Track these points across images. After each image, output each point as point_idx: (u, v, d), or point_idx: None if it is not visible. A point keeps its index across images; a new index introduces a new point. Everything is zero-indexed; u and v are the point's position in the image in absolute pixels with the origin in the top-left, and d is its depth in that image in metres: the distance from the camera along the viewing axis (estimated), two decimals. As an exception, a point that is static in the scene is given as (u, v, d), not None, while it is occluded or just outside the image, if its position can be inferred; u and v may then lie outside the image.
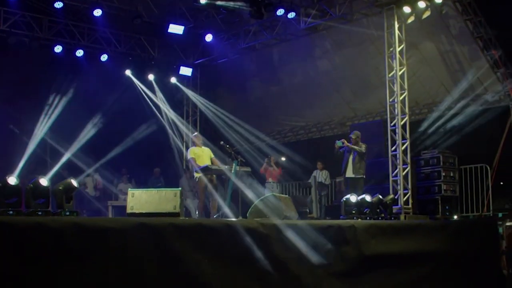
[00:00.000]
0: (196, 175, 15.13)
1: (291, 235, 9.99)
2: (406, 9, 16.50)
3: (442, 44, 18.59)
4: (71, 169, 18.51)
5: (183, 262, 8.49)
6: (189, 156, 15.45)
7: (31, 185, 9.11)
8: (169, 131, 21.81)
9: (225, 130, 21.23)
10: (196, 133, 16.24)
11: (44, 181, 9.23)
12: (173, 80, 22.57)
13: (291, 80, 22.23)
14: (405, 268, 11.84)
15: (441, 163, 17.07)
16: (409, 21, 16.80)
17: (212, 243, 8.94)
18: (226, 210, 13.69)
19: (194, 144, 15.61)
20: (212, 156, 15.33)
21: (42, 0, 17.91)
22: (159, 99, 21.82)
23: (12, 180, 8.84)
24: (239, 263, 9.20)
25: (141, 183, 20.15)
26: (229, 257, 9.10)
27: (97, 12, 18.05)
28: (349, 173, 16.02)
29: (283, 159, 20.22)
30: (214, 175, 14.85)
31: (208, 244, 8.87)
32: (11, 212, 8.55)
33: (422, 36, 18.41)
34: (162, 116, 21.74)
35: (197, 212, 16.84)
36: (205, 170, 14.61)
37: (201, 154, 15.21)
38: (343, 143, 16.00)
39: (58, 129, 19.30)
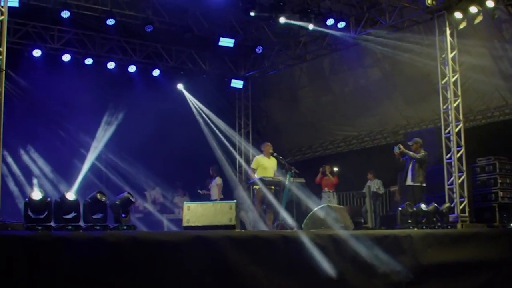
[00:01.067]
0: (255, 186, 15.17)
1: (347, 245, 9.95)
2: (458, 15, 16.31)
3: (495, 49, 18.33)
4: (128, 183, 18.77)
5: (239, 274, 8.51)
6: (252, 165, 15.50)
7: (89, 200, 9.25)
8: (222, 143, 21.91)
9: (277, 141, 21.26)
10: (266, 142, 16.16)
11: (101, 196, 9.36)
12: (225, 92, 22.70)
13: (342, 89, 22.19)
14: (462, 277, 11.68)
15: (497, 170, 16.78)
16: (461, 26, 16.61)
17: (268, 255, 8.94)
18: (288, 220, 13.64)
19: (263, 152, 15.59)
20: (275, 167, 15.29)
21: (95, 17, 18.19)
22: (211, 112, 21.95)
23: (70, 195, 8.98)
24: (295, 274, 9.19)
25: (196, 196, 20.28)
26: (284, 268, 9.09)
27: (149, 28, 18.25)
28: (408, 181, 15.77)
29: (336, 169, 20.13)
30: (273, 187, 14.84)
31: (264, 256, 8.88)
32: (69, 227, 8.69)
33: (474, 41, 18.17)
34: (214, 129, 21.86)
35: (251, 224, 16.86)
36: (261, 181, 14.63)
37: (267, 165, 15.20)
38: (399, 148, 15.77)
39: (113, 144, 19.58)
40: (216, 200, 19.62)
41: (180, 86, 21.62)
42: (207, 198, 19.84)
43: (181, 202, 19.85)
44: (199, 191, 20.32)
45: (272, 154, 15.27)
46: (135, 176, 19.46)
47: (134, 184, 19.25)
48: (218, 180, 19.92)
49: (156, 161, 19.83)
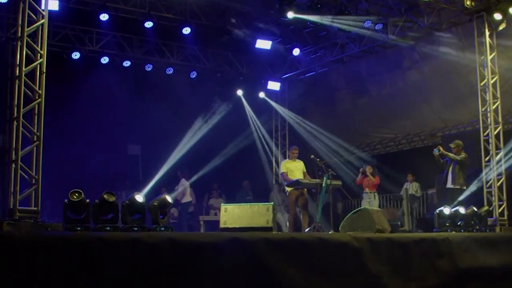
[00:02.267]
0: (287, 189, 15.23)
1: (384, 248, 9.90)
2: (497, 16, 16.10)
3: (535, 50, 18.11)
4: (166, 185, 18.92)
5: (276, 276, 8.50)
6: (281, 170, 15.59)
7: (127, 201, 9.35)
8: (259, 145, 21.97)
9: (314, 143, 21.26)
10: (293, 146, 16.27)
11: (139, 197, 9.45)
12: (262, 95, 22.80)
13: (379, 91, 22.08)
14: (501, 281, 11.51)
15: (537, 173, 16.59)
16: (501, 28, 16.42)
17: (305, 257, 8.93)
18: (319, 224, 13.67)
19: (289, 157, 15.69)
20: (304, 170, 15.38)
21: (132, 20, 18.35)
22: (248, 114, 22.01)
23: (109, 196, 9.09)
24: (332, 277, 9.16)
25: (231, 197, 20.36)
26: (322, 271, 9.07)
27: (186, 30, 18.34)
28: (449, 184, 15.62)
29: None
30: (305, 189, 14.87)
31: (301, 258, 8.86)
32: (108, 228, 8.80)
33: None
34: (251, 131, 21.91)
35: (287, 226, 16.89)
36: (296, 184, 14.66)
37: (293, 168, 15.28)
38: (439, 150, 15.63)
39: (150, 145, 19.76)
40: (190, 201, 19.71)
41: (239, 93, 21.94)
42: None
43: (216, 203, 19.96)
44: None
45: (310, 157, 15.37)
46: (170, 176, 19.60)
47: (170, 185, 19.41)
48: (183, 182, 19.79)
49: (193, 163, 19.93)
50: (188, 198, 19.93)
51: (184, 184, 19.72)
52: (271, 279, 8.45)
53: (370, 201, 17.37)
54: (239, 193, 20.81)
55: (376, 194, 17.74)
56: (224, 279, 8.10)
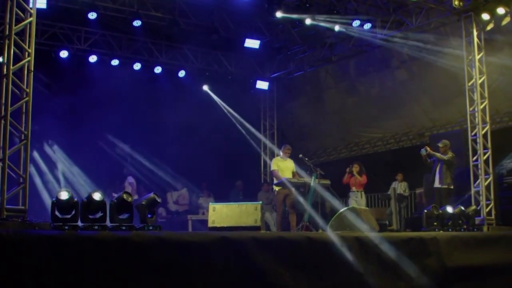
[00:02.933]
0: (275, 188, 15.21)
1: (372, 247, 9.93)
2: (485, 16, 16.18)
3: (523, 50, 18.19)
4: (155, 184, 18.90)
5: (265, 275, 8.53)
6: (272, 167, 15.57)
7: (115, 201, 9.33)
8: (247, 144, 21.94)
9: (302, 143, 21.26)
10: (286, 144, 16.25)
11: (127, 197, 9.43)
12: (250, 94, 22.72)
13: (368, 91, 22.13)
14: (488, 280, 11.58)
15: (525, 173, 16.69)
16: (488, 28, 16.49)
17: (293, 256, 8.96)
18: (308, 223, 13.66)
19: (282, 155, 15.66)
20: (294, 169, 15.36)
21: (121, 19, 18.30)
22: (236, 113, 21.98)
23: (97, 195, 9.07)
24: (320, 276, 9.19)
25: (222, 197, 20.33)
26: (310, 270, 9.10)
27: (174, 29, 18.31)
28: (436, 183, 15.69)
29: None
30: (293, 188, 14.86)
31: (289, 257, 8.90)
32: (96, 227, 8.78)
33: (501, 43, 18.04)
34: (239, 130, 21.89)
35: (275, 225, 16.89)
36: (283, 184, 14.65)
37: (283, 167, 15.27)
38: (426, 150, 15.70)
39: (139, 145, 19.73)
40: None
41: (205, 87, 21.71)
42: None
43: (205, 202, 19.91)
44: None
45: (298, 156, 15.33)
46: (161, 177, 19.56)
47: (159, 185, 19.37)
48: (129, 179, 19.61)
49: (181, 162, 19.91)
50: (134, 196, 19.71)
51: (130, 182, 19.54)
52: (260, 278, 8.47)
53: (357, 200, 17.32)
54: (232, 192, 20.76)
55: (363, 192, 17.70)
56: (213, 278, 8.11)
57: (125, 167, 19.93)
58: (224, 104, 21.90)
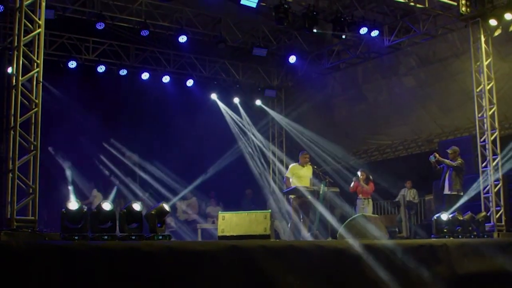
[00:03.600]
0: (291, 196, 15.16)
1: (381, 255, 9.90)
2: (493, 22, 16.14)
3: (531, 56, 18.16)
4: (160, 193, 18.87)
5: (275, 284, 8.50)
6: (286, 174, 15.51)
7: (125, 210, 9.33)
8: (256, 153, 21.95)
9: (311, 150, 21.21)
10: (304, 151, 16.15)
11: (137, 206, 9.44)
12: (258, 102, 22.75)
13: (376, 98, 22.13)
14: (498, 287, 11.55)
15: (534, 178, 16.62)
16: (496, 34, 16.45)
17: (303, 264, 8.93)
18: (318, 231, 13.65)
19: (299, 161, 15.55)
20: (311, 176, 15.24)
21: (129, 29, 18.36)
22: (245, 122, 22.01)
23: (106, 205, 9.09)
24: (330, 284, 9.16)
25: (232, 205, 20.27)
26: (320, 278, 9.07)
27: (182, 39, 18.35)
28: (446, 190, 15.63)
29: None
30: (310, 196, 14.77)
31: (299, 265, 8.87)
32: (105, 237, 8.79)
33: (509, 48, 18.02)
34: (248, 139, 21.91)
35: (285, 233, 16.84)
36: (294, 191, 14.62)
37: (302, 174, 15.17)
38: (435, 156, 15.66)
39: (147, 154, 19.74)
40: None
41: (213, 96, 21.75)
42: None
43: (214, 211, 19.92)
44: None
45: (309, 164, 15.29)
46: (169, 185, 19.55)
47: (167, 194, 19.36)
48: (94, 192, 19.42)
49: (190, 171, 19.91)
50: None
51: (95, 195, 19.22)
52: (270, 287, 8.44)
53: (364, 208, 17.23)
54: (244, 201, 20.73)
55: (370, 200, 17.62)
56: (223, 287, 8.09)
57: (94, 181, 19.72)
58: (232, 113, 21.93)
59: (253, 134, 22.14)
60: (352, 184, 17.73)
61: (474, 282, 11.10)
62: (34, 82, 10.27)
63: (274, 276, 8.51)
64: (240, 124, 21.98)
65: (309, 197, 14.43)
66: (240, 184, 21.10)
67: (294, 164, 15.69)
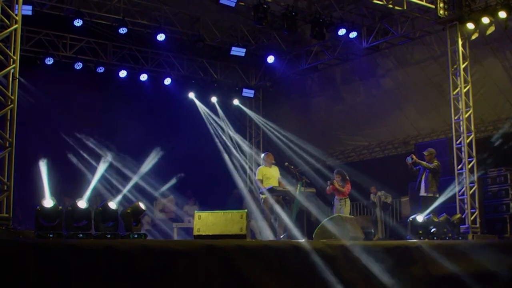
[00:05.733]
0: (262, 196, 15.14)
1: (357, 256, 9.93)
2: (470, 26, 16.27)
3: (507, 60, 18.27)
4: (138, 192, 18.76)
5: (251, 283, 8.49)
6: (256, 177, 15.48)
7: (100, 209, 9.29)
8: (233, 152, 21.92)
9: (288, 151, 21.23)
10: (267, 152, 16.16)
11: (112, 205, 9.40)
12: (236, 102, 22.73)
13: (354, 99, 22.19)
14: (473, 288, 11.63)
15: (509, 181, 16.73)
16: (473, 37, 16.56)
17: (279, 264, 8.94)
18: (293, 231, 13.64)
19: (265, 162, 15.57)
20: (279, 176, 15.28)
21: (107, 26, 18.27)
22: (222, 121, 21.98)
23: (82, 203, 9.04)
24: (306, 284, 9.17)
25: (210, 205, 20.19)
26: (296, 278, 9.08)
27: (160, 37, 18.26)
28: (422, 192, 15.69)
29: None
30: (280, 196, 14.81)
31: (275, 265, 8.88)
32: (81, 235, 8.73)
33: (486, 52, 18.15)
34: (225, 138, 21.88)
35: (260, 233, 16.80)
36: (271, 191, 14.61)
37: (269, 175, 15.19)
38: (412, 158, 15.73)
39: (124, 153, 19.61)
40: None
41: (191, 95, 21.70)
42: None
43: (191, 210, 19.83)
44: None
45: (284, 164, 15.30)
46: (144, 184, 19.44)
47: (144, 193, 19.26)
48: None
49: (166, 170, 19.82)
50: None
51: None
52: (246, 286, 8.43)
53: (341, 208, 17.23)
54: (229, 200, 20.62)
55: (347, 200, 17.63)
56: (199, 286, 8.07)
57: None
58: (210, 112, 21.90)
59: (231, 134, 22.11)
60: (327, 188, 17.74)
61: (449, 284, 11.16)
62: (10, 78, 10.18)
63: (250, 275, 8.50)
64: (218, 124, 21.94)
65: (286, 197, 14.46)
66: (217, 183, 21.03)
67: (261, 166, 15.69)
